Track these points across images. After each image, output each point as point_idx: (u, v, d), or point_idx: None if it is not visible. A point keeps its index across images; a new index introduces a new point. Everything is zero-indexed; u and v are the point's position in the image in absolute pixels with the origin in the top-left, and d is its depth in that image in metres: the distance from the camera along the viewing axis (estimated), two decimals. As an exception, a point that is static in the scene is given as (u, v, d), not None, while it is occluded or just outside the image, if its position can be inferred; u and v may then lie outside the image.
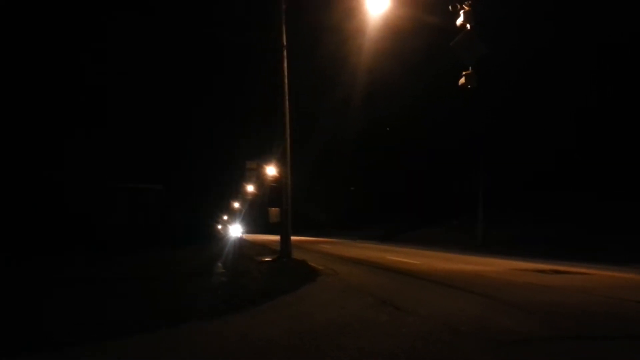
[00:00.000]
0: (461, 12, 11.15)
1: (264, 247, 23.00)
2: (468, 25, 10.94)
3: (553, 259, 16.02)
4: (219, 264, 11.09)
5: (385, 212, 45.36)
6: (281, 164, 14.30)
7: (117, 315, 5.66)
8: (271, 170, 24.07)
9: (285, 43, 13.73)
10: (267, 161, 24.91)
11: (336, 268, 11.97)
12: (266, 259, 13.67)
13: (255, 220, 49.43)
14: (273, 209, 15.21)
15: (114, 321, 5.26)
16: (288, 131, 13.83)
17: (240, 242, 28.84)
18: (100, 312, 5.92)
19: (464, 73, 11.99)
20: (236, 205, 49.54)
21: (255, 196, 32.58)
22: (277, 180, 15.98)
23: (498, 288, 8.42)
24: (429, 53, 25.41)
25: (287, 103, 13.83)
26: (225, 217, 63.86)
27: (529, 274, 11.18)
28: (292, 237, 14.33)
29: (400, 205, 42.86)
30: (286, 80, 13.89)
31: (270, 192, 24.03)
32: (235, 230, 49.50)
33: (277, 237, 14.00)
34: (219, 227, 60.04)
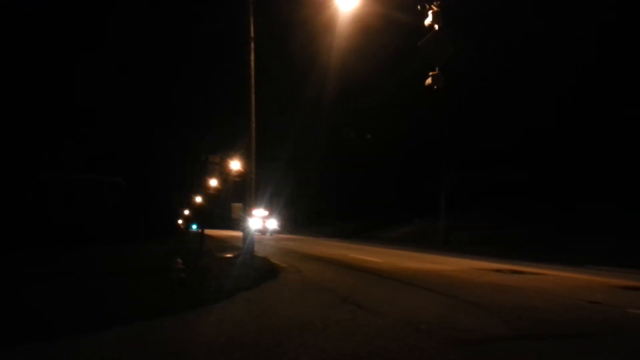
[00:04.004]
0: (429, 12, 11.20)
1: (225, 243, 22.67)
2: (436, 26, 11.01)
3: (512, 259, 16.44)
4: (178, 260, 10.78)
5: (352, 210, 45.60)
6: (246, 159, 14.07)
7: (52, 316, 5.34)
8: (235, 165, 23.71)
9: (253, 35, 13.49)
10: (231, 155, 24.50)
11: (299, 265, 11.87)
12: (227, 255, 13.43)
13: (218, 215, 48.35)
14: (236, 204, 14.96)
15: (48, 321, 4.95)
16: (254, 125, 13.61)
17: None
18: (36, 313, 5.56)
19: (430, 73, 12.09)
20: (198, 199, 48.66)
21: (218, 191, 32.08)
22: (241, 175, 15.73)
23: (458, 287, 8.52)
24: (400, 51, 25.60)
25: (253, 97, 13.60)
26: (186, 212, 62.63)
27: (489, 273, 11.40)
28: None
29: (366, 204, 43.20)
30: (253, 74, 13.66)
31: (234, 187, 23.69)
32: (256, 223, 44.57)
33: (239, 233, 13.77)
34: (180, 221, 58.87)
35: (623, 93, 21.74)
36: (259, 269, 10.12)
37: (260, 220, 39.85)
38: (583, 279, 10.74)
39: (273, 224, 43.31)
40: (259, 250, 13.82)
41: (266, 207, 44.43)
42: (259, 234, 38.52)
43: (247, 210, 13.37)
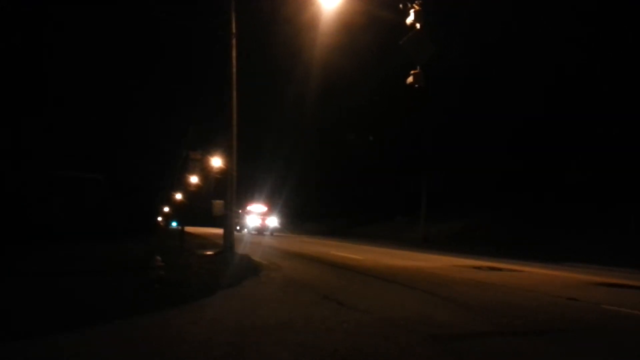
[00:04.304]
0: (411, 10, 11.24)
1: (206, 241, 22.49)
2: (418, 25, 11.06)
3: (491, 256, 16.69)
4: (158, 257, 10.66)
5: (334, 208, 45.65)
6: (227, 156, 13.97)
7: (27, 315, 5.24)
8: (217, 162, 23.52)
9: (234, 31, 13.39)
10: (213, 152, 24.32)
11: (280, 263, 11.85)
12: (208, 253, 13.33)
13: (198, 212, 47.49)
14: (217, 201, 14.85)
15: (24, 320, 4.86)
16: (235, 122, 13.52)
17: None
18: (6, 313, 5.46)
19: (412, 72, 12.16)
20: (178, 196, 48.03)
21: (198, 188, 31.73)
22: (222, 172, 15.61)
23: (438, 284, 8.61)
24: (384, 49, 25.66)
25: (235, 93, 13.50)
26: (166, 209, 61.89)
27: (468, 270, 11.55)
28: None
29: (348, 201, 43.28)
30: (235, 70, 13.55)
31: (215, 184, 23.51)
32: (253, 220, 37.00)
33: (220, 231, 13.68)
34: (160, 218, 58.20)
35: (607, 91, 22.12)
36: (239, 266, 10.07)
37: (258, 218, 36.54)
38: (560, 276, 10.96)
39: (274, 221, 38.13)
40: (240, 248, 13.75)
41: (265, 203, 40.41)
42: (255, 232, 35.55)
43: (228, 207, 13.27)
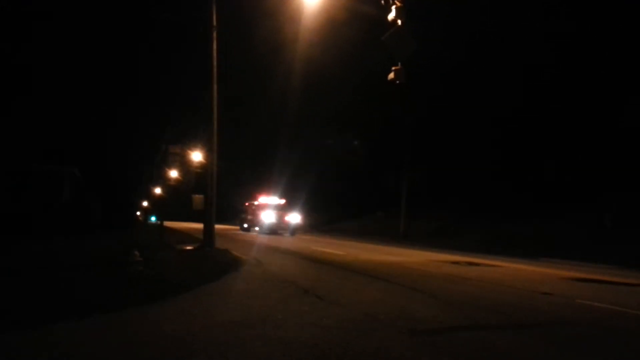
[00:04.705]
0: (392, 7, 11.25)
1: (185, 236, 22.30)
2: (399, 21, 11.08)
3: (469, 252, 16.92)
4: (136, 253, 10.52)
5: (314, 203, 45.61)
6: (208, 150, 13.84)
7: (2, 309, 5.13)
8: (197, 156, 23.29)
9: (215, 24, 13.24)
10: (192, 146, 24.04)
11: (260, 258, 11.82)
12: (187, 248, 13.21)
13: (178, 207, 46.85)
14: (197, 196, 14.68)
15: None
16: (216, 116, 13.39)
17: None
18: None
19: (393, 68, 12.19)
20: (158, 191, 47.41)
21: (178, 182, 31.30)
22: (202, 166, 15.47)
23: (417, 279, 8.70)
24: (366, 45, 25.66)
25: (215, 87, 13.37)
26: (145, 203, 61.10)
27: (447, 265, 11.69)
28: (218, 226, 13.96)
29: (329, 196, 43.28)
30: (215, 63, 13.41)
31: (195, 179, 23.29)
32: (269, 216, 28.22)
33: (200, 226, 13.57)
34: (139, 213, 57.47)
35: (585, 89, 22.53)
36: (220, 261, 10.01)
37: (275, 213, 28.10)
38: (537, 271, 11.17)
39: (296, 217, 28.83)
40: (220, 243, 13.65)
41: (281, 196, 32.41)
42: (269, 232, 27.27)
43: (208, 201, 13.16)
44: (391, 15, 11.21)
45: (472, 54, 27.05)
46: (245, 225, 32.66)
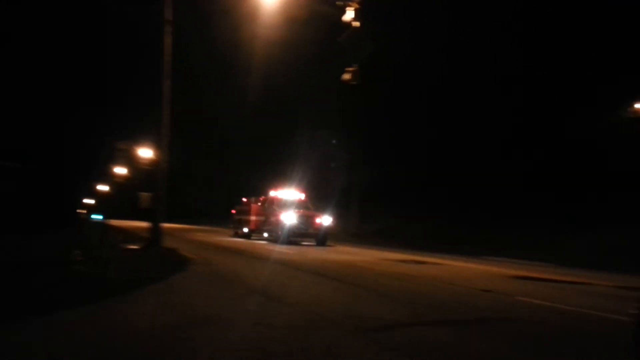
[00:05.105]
0: (349, 9, 11.35)
1: (131, 234, 21.58)
2: (356, 23, 11.20)
3: (418, 250, 17.32)
4: (77, 252, 10.07)
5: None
6: (157, 146, 13.44)
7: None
8: (145, 153, 22.60)
9: (170, 18, 12.87)
10: (140, 142, 23.31)
11: (210, 257, 11.62)
12: (132, 247, 12.78)
13: (124, 205, 45.19)
14: (144, 193, 14.23)
15: None
16: (167, 112, 13.03)
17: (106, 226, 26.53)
18: None
19: (348, 69, 12.32)
20: (103, 188, 45.63)
21: (125, 179, 30.22)
22: (151, 163, 15.01)
23: (366, 277, 8.82)
24: (324, 45, 25.74)
25: (167, 83, 13.01)
26: (89, 201, 58.69)
27: (395, 263, 11.92)
28: (167, 225, 13.59)
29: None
30: (168, 59, 13.05)
31: (143, 176, 22.59)
32: (290, 217, 18.76)
33: (147, 224, 13.17)
34: (83, 211, 55.07)
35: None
36: (166, 260, 9.74)
37: (296, 215, 18.65)
38: (480, 269, 11.59)
39: (327, 220, 19.74)
40: (169, 242, 13.29)
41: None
42: (290, 241, 18.05)
43: (156, 199, 12.78)
44: (347, 17, 11.32)
45: (423, 53, 27.59)
46: (245, 230, 22.44)
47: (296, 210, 19.12)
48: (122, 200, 40.46)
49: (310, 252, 14.72)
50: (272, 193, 21.26)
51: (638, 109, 21.30)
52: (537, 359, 4.02)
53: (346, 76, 12.62)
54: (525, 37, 23.94)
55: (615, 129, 19.40)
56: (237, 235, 23.51)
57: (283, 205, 19.74)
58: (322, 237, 18.98)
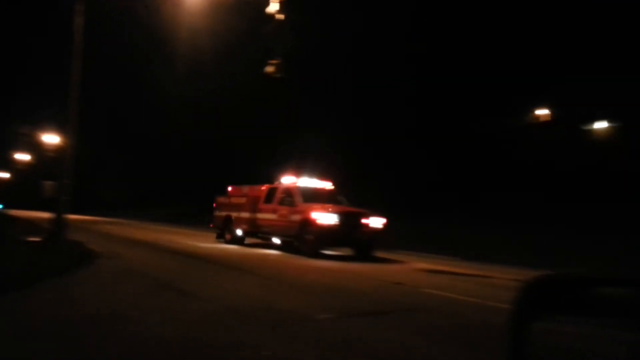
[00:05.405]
0: (274, 1, 11.27)
1: (33, 225, 20.01)
2: (280, 15, 11.15)
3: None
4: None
5: (182, 194, 43.89)
6: (64, 132, 12.53)
7: None
8: (51, 138, 21.02)
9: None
10: (46, 128, 21.64)
11: (119, 250, 11.09)
12: (34, 239, 11.84)
13: (26, 194, 41.65)
14: (48, 182, 13.21)
15: None
16: (76, 95, 12.19)
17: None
18: None
19: (271, 62, 12.24)
20: (3, 175, 41.77)
21: (27, 166, 27.88)
22: (57, 149, 13.95)
23: (282, 270, 8.88)
24: (248, 36, 25.28)
25: (78, 64, 12.15)
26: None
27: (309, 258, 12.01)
28: (74, 216, 12.74)
29: (197, 188, 41.95)
30: (80, 39, 12.18)
31: (48, 163, 21.01)
32: (329, 218, 12.01)
33: (51, 215, 12.25)
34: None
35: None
36: (71, 254, 9.14)
37: (336, 212, 12.28)
38: (391, 264, 12.03)
39: (378, 222, 12.68)
40: (75, 234, 12.46)
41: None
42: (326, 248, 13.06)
43: (61, 188, 11.91)
44: (272, 9, 11.24)
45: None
46: (238, 232, 15.28)
47: (329, 205, 13.05)
48: (24, 188, 37.29)
49: (228, 246, 14.44)
50: (286, 180, 14.72)
51: (540, 115, 23.32)
52: (434, 346, 4.26)
53: (269, 69, 12.54)
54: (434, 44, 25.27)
55: (518, 133, 21.08)
56: (222, 238, 15.96)
57: (308, 197, 13.47)
58: (369, 245, 12.84)
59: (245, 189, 15.95)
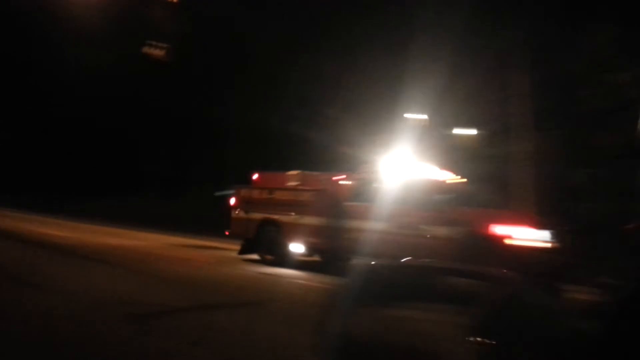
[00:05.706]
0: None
1: None
2: None
3: (212, 236, 17.26)
4: None
5: (46, 181, 39.53)
6: None
7: None
8: None
9: None
10: None
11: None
12: None
13: None
14: None
15: None
16: None
17: None
18: None
19: (159, 44, 11.72)
20: None
21: None
22: None
23: (149, 262, 8.64)
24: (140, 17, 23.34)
25: None
26: None
27: (181, 248, 11.73)
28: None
29: (67, 174, 38.25)
30: None
31: None
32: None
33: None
34: None
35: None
36: None
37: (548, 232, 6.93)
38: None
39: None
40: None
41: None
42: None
43: None
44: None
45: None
46: (300, 247, 9.53)
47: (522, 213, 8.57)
48: None
49: (94, 237, 13.42)
50: (406, 167, 8.89)
51: None
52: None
53: (157, 52, 11.99)
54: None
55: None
56: (250, 252, 10.23)
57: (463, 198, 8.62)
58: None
59: (315, 176, 9.85)
